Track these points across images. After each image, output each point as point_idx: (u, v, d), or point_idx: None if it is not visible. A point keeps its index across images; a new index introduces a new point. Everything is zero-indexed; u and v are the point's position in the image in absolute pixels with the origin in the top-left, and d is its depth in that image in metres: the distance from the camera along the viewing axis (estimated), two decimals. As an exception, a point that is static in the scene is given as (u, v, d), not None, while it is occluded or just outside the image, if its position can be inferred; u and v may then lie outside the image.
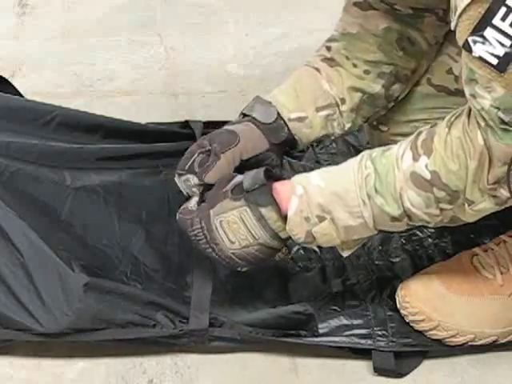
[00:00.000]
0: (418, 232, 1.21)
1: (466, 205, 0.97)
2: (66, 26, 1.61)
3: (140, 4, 1.67)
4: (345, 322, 1.10)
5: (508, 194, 0.95)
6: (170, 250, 1.17)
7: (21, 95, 1.31)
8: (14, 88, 1.31)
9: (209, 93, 1.49)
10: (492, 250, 1.09)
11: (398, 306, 1.08)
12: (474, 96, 0.91)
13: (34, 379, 1.05)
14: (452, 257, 1.13)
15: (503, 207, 0.98)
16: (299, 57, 1.54)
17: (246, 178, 1.05)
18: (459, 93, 0.87)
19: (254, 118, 1.13)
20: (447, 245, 1.19)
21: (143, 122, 1.41)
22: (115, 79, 1.51)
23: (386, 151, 1.01)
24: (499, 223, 1.14)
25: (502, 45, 0.86)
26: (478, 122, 0.93)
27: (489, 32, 0.86)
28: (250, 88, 1.47)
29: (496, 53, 0.86)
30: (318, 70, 1.16)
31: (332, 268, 1.17)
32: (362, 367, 1.07)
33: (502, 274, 1.07)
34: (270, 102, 1.14)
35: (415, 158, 0.98)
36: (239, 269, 1.07)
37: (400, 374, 1.05)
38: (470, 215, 0.99)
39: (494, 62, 0.87)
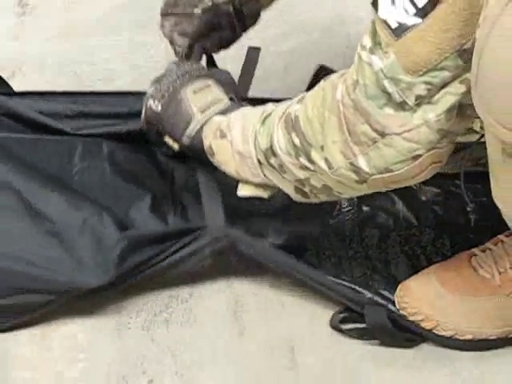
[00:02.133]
0: (416, 232, 1.21)
1: (327, 167, 0.97)
2: (66, 26, 1.61)
3: (140, 4, 1.67)
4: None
5: (363, 167, 0.95)
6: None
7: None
8: (11, 88, 1.31)
9: (209, 93, 1.49)
10: (490, 249, 1.09)
11: (397, 306, 1.09)
12: (371, 51, 0.90)
13: (35, 379, 1.05)
14: (450, 257, 1.13)
15: (365, 188, 0.98)
16: (299, 57, 1.55)
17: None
18: None
19: None
20: (445, 245, 1.19)
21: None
22: (115, 79, 1.51)
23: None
24: (498, 224, 1.14)
25: (406, 11, 0.85)
26: (348, 79, 0.93)
27: None
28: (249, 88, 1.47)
29: (398, 18, 0.86)
30: None
31: (329, 264, 1.18)
32: (364, 365, 1.07)
33: (500, 273, 1.07)
34: None
35: (293, 103, 1.01)
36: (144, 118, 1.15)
37: (394, 337, 1.07)
38: (334, 183, 0.99)
39: (394, 25, 0.86)
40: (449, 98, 0.88)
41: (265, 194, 1.09)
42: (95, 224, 1.11)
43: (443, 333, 1.06)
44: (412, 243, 1.19)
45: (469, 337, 1.06)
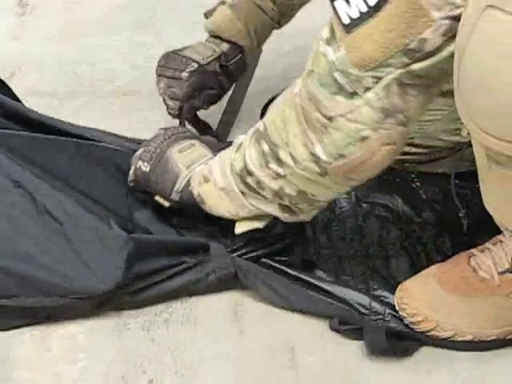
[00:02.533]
0: (416, 228, 1.21)
1: (293, 163, 1.00)
2: (66, 26, 1.61)
3: (140, 4, 1.67)
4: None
5: (321, 155, 0.97)
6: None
7: (16, 97, 1.31)
8: (10, 89, 1.31)
9: (209, 93, 1.49)
10: (489, 250, 1.09)
11: (397, 307, 1.08)
12: (327, 42, 0.93)
13: (34, 379, 1.05)
14: (450, 256, 1.13)
15: (329, 181, 1.00)
16: (299, 57, 1.55)
17: None
18: (450, 94, 0.87)
19: None
20: (446, 244, 1.19)
21: (143, 122, 1.42)
22: (115, 79, 1.51)
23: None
24: (497, 225, 1.14)
25: (358, 8, 0.88)
26: (305, 71, 0.97)
27: None
28: (249, 88, 1.47)
29: (350, 14, 0.88)
30: None
31: (329, 264, 1.17)
32: (363, 365, 1.07)
33: (499, 274, 1.07)
34: None
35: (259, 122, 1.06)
36: (133, 177, 1.20)
37: (394, 353, 1.06)
38: (303, 181, 1.01)
39: (346, 21, 0.89)
40: (387, 77, 0.90)
41: (260, 225, 1.11)
42: (102, 225, 1.11)
43: (443, 333, 1.06)
44: (412, 239, 1.20)
45: (469, 337, 1.06)
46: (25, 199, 1.11)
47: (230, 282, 1.15)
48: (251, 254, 1.16)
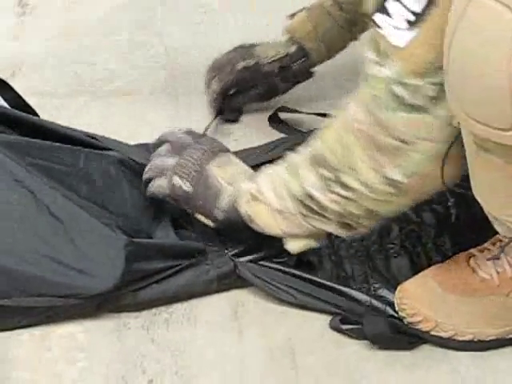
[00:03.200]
0: (416, 228, 1.21)
1: (363, 187, 0.98)
2: (66, 26, 1.61)
3: (140, 4, 1.67)
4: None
5: (396, 176, 0.96)
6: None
7: (19, 96, 1.31)
8: (12, 89, 1.31)
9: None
10: (488, 250, 1.09)
11: (396, 307, 1.08)
12: (377, 63, 0.92)
13: (34, 379, 1.05)
14: (450, 256, 1.13)
15: (405, 200, 0.99)
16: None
17: None
18: None
19: None
20: (446, 244, 1.19)
21: (143, 122, 1.42)
22: (115, 79, 1.51)
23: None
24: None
25: (406, 20, 0.87)
26: (359, 94, 0.95)
27: (392, 5, 0.88)
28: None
29: (398, 27, 0.87)
30: None
31: (330, 263, 1.17)
32: (364, 365, 1.07)
33: (498, 273, 1.07)
34: None
35: (314, 140, 1.03)
36: (168, 191, 1.15)
37: (396, 343, 1.07)
38: (375, 203, 1.00)
39: (395, 35, 0.88)
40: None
41: (315, 243, 1.10)
42: (103, 228, 1.11)
43: (443, 333, 1.06)
44: (412, 239, 1.19)
45: (469, 337, 1.06)
46: (27, 199, 1.11)
47: (229, 282, 1.14)
48: (249, 257, 1.16)
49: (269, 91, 1.39)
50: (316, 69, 1.41)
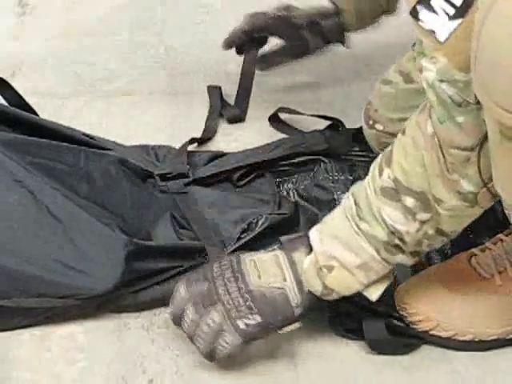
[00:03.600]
0: None
1: (437, 205, 0.96)
2: (66, 26, 1.61)
3: (140, 4, 1.67)
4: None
5: (469, 188, 0.94)
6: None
7: (19, 95, 1.31)
8: (13, 88, 1.31)
9: (209, 93, 1.49)
10: (490, 249, 1.09)
11: (397, 307, 1.08)
12: (422, 70, 0.90)
13: (34, 379, 1.05)
14: (450, 256, 1.13)
15: (477, 209, 0.97)
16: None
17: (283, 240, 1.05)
18: None
19: None
20: (446, 245, 1.19)
21: (143, 122, 1.42)
22: (115, 79, 1.51)
23: (362, 181, 1.02)
24: (497, 224, 1.14)
25: (446, 13, 0.85)
26: (429, 110, 0.93)
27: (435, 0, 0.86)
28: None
29: (440, 22, 0.86)
30: None
31: None
32: (363, 366, 1.07)
33: (499, 273, 1.07)
34: None
35: (380, 174, 0.98)
36: (243, 339, 1.02)
37: (394, 348, 1.06)
38: (447, 219, 0.97)
39: (437, 30, 0.86)
40: None
41: (390, 280, 1.05)
42: (103, 228, 1.11)
43: (443, 333, 1.06)
44: None
45: (469, 337, 1.06)
46: (27, 199, 1.11)
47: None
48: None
49: (299, 46, 1.41)
50: (316, 72, 1.41)
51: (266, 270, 1.02)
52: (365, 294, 1.03)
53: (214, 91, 1.45)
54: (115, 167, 1.24)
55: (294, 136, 1.36)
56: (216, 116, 1.42)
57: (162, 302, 1.13)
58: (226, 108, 1.43)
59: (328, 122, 1.37)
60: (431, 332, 1.06)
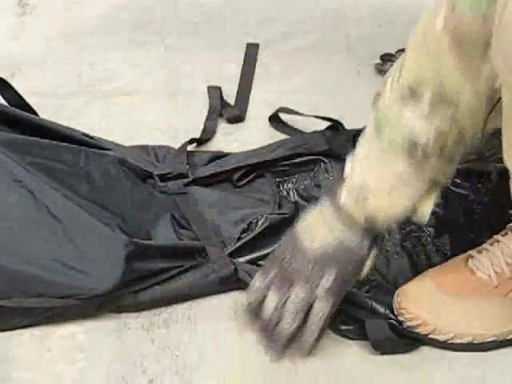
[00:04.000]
0: (415, 229, 1.21)
1: (453, 100, 0.94)
2: (66, 26, 1.61)
3: (140, 4, 1.67)
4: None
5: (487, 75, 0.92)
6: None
7: (19, 95, 1.31)
8: (13, 88, 1.31)
9: (209, 93, 1.49)
10: (486, 250, 1.09)
11: (395, 312, 1.08)
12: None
13: (34, 379, 1.05)
14: (450, 257, 1.13)
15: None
16: (299, 57, 1.55)
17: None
18: None
19: None
20: (445, 244, 1.19)
21: (143, 122, 1.42)
22: (115, 79, 1.51)
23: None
24: (496, 222, 1.14)
25: None
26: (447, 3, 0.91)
27: None
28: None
29: None
30: None
31: None
32: (363, 365, 1.07)
33: (496, 273, 1.07)
34: None
35: (397, 82, 0.97)
36: (331, 301, 1.02)
37: (396, 347, 1.06)
38: (465, 119, 0.95)
39: None
40: None
41: (434, 195, 1.02)
42: (103, 228, 1.11)
43: (441, 336, 1.06)
44: (412, 240, 1.19)
45: (468, 339, 1.06)
46: (27, 199, 1.11)
47: (230, 284, 1.15)
48: (250, 257, 1.16)
49: None
50: (316, 72, 1.41)
51: (318, 231, 1.02)
52: (414, 219, 1.02)
53: (214, 92, 1.45)
54: (115, 167, 1.24)
55: (294, 137, 1.36)
56: (215, 116, 1.42)
57: (162, 301, 1.13)
58: (226, 108, 1.43)
59: (328, 123, 1.37)
60: (429, 336, 1.07)
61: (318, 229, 1.03)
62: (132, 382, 1.05)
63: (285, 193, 1.28)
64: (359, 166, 1.02)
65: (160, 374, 1.06)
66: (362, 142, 1.02)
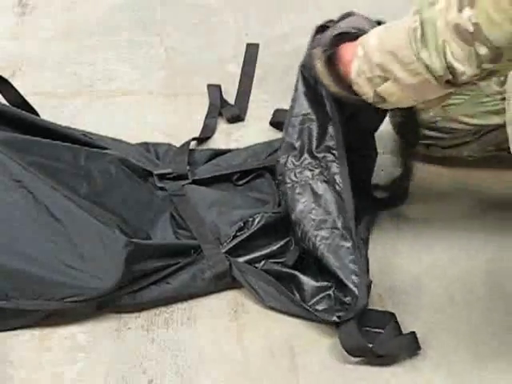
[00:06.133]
0: None
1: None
2: (66, 26, 1.61)
3: (140, 4, 1.67)
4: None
5: None
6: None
7: (20, 95, 1.31)
8: (14, 88, 1.31)
9: (209, 93, 1.49)
10: None
11: None
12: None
13: (34, 379, 1.05)
14: None
15: None
16: (299, 57, 1.55)
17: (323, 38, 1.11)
18: None
19: None
20: None
21: (143, 122, 1.42)
22: (115, 79, 1.51)
23: (432, 3, 0.98)
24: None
25: None
26: None
27: None
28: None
29: None
30: None
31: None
32: (362, 366, 1.07)
33: None
34: None
35: (459, 9, 0.94)
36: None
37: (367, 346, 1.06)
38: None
39: None
40: None
41: (446, 98, 1.06)
42: (103, 228, 1.11)
43: None
44: None
45: None
46: (27, 199, 1.11)
47: (227, 282, 1.15)
48: (247, 257, 1.16)
49: None
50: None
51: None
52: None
53: (214, 90, 1.45)
54: (115, 167, 1.24)
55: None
56: (215, 115, 1.42)
57: (162, 301, 1.13)
58: (226, 108, 1.43)
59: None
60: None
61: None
62: (132, 382, 1.05)
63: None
64: (387, 55, 1.01)
65: (160, 374, 1.06)
66: (401, 32, 1.00)
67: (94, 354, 1.08)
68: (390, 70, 1.01)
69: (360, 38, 1.07)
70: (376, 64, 1.02)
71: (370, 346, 1.05)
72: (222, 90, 1.46)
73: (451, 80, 0.98)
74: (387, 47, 1.01)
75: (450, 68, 0.96)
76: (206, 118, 1.41)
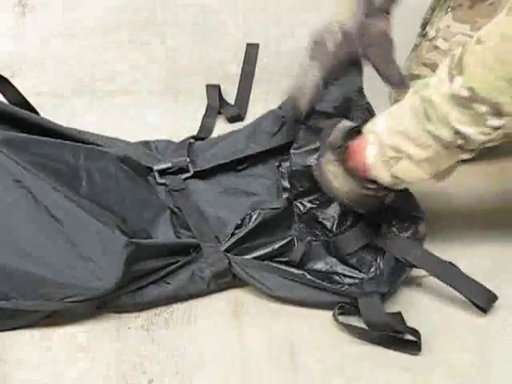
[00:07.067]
0: None
1: None
2: (66, 25, 1.61)
3: (140, 4, 1.66)
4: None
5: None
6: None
7: (20, 94, 1.31)
8: (14, 88, 1.31)
9: (209, 93, 1.49)
10: None
11: None
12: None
13: (34, 379, 1.05)
14: None
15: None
16: (299, 57, 1.54)
17: (333, 136, 1.13)
18: None
19: None
20: None
21: (143, 122, 1.42)
22: (115, 79, 1.51)
23: (427, 81, 1.02)
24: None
25: None
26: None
27: None
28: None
29: None
30: None
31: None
32: (362, 365, 1.07)
33: None
34: None
35: (450, 80, 0.98)
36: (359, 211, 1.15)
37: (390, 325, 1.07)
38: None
39: None
40: None
41: (456, 166, 1.08)
42: (103, 228, 1.11)
43: None
44: None
45: None
46: (27, 199, 1.11)
47: (227, 280, 1.15)
48: (248, 257, 1.16)
49: None
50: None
51: (337, 180, 1.13)
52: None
53: (213, 90, 1.45)
54: (115, 166, 1.23)
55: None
56: (213, 115, 1.42)
57: (162, 301, 1.13)
58: (226, 108, 1.43)
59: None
60: None
61: (338, 180, 1.13)
62: (132, 382, 1.05)
63: (285, 172, 1.28)
64: (397, 135, 1.04)
65: (160, 374, 1.06)
66: (406, 113, 1.04)
67: (93, 353, 1.08)
68: (401, 149, 1.04)
69: (365, 128, 1.10)
70: (388, 145, 1.05)
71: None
72: (222, 90, 1.46)
73: (463, 145, 1.01)
74: (395, 128, 1.05)
75: (457, 133, 1.00)
76: (204, 118, 1.41)
